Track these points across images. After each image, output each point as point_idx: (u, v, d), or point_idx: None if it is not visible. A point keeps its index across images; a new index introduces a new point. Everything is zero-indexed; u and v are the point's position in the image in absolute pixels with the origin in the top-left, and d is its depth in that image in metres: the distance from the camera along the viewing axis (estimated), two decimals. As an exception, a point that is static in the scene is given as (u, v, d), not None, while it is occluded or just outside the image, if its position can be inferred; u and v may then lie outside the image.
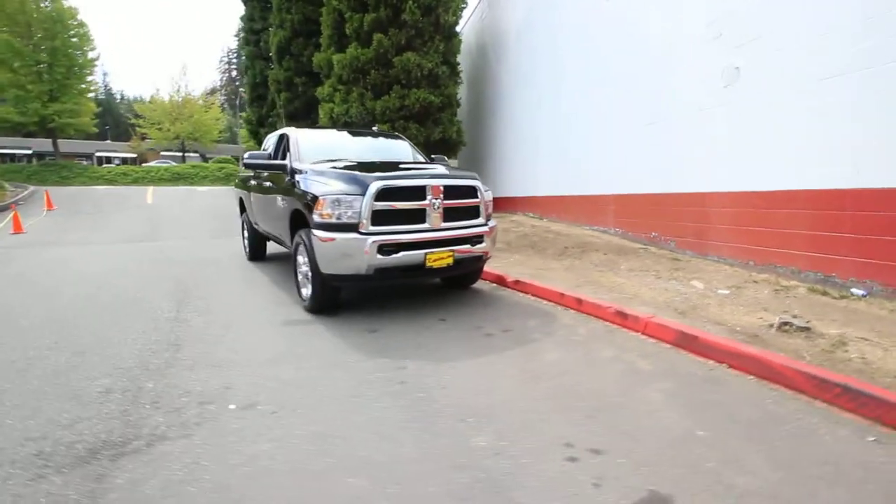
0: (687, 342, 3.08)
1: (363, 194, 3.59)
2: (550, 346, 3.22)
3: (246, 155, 4.76)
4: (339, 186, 3.67)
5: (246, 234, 6.97)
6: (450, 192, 3.92)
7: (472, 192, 4.10)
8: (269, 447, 2.02)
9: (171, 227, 11.38)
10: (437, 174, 3.95)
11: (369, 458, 1.95)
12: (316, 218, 3.72)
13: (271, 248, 7.04)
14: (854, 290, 3.76)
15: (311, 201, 3.75)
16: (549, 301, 4.35)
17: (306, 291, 4.13)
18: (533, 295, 4.59)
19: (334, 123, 11.02)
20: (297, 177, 4.30)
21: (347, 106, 10.73)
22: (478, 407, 2.37)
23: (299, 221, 4.32)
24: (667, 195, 5.87)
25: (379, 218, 3.64)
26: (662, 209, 5.98)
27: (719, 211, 5.15)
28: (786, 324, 3.28)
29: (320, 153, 4.72)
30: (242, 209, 7.22)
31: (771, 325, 3.38)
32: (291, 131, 5.06)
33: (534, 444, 2.03)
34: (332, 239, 3.61)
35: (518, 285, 4.81)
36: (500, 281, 5.05)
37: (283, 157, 4.78)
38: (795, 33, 4.29)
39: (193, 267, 6.41)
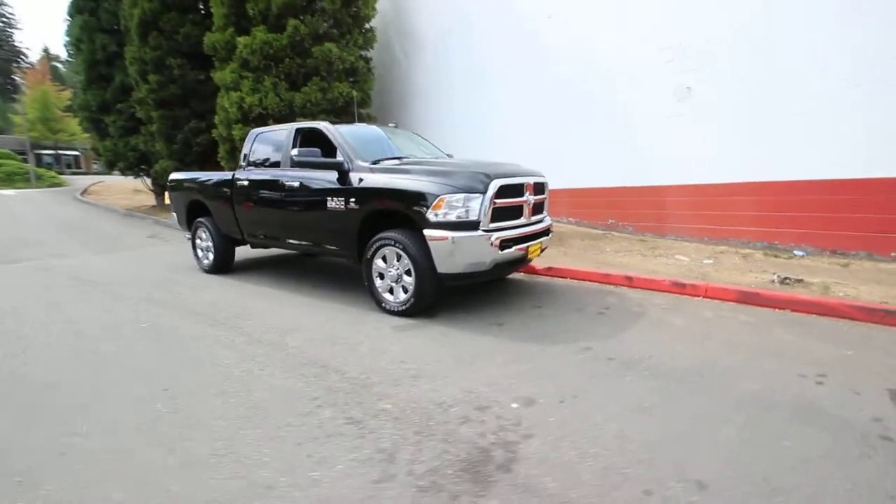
0: (748, 298, 4.05)
1: (484, 192, 3.66)
2: (662, 318, 3.83)
3: (294, 152, 4.20)
4: (457, 185, 3.66)
5: (207, 243, 5.95)
6: (536, 188, 4.23)
7: (545, 188, 4.46)
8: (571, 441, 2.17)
9: (23, 244, 8.73)
10: (529, 172, 4.21)
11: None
12: (432, 217, 3.64)
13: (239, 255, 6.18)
14: (796, 252, 5.32)
15: (426, 201, 3.65)
16: (594, 282, 4.99)
17: (395, 297, 3.97)
18: (571, 278, 5.17)
19: (245, 115, 9.83)
20: (367, 176, 4.05)
21: (260, 96, 9.70)
22: (700, 367, 2.83)
23: (378, 223, 4.09)
24: (625, 188, 7.06)
25: (495, 215, 3.76)
26: (619, 200, 7.16)
27: (676, 200, 6.49)
28: (786, 278, 4.53)
29: (369, 150, 4.48)
30: (194, 216, 6.13)
31: (772, 281, 4.61)
32: (328, 126, 4.62)
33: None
34: (454, 238, 3.60)
35: (551, 271, 5.33)
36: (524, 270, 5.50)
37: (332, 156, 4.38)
38: (735, 60, 5.72)
39: (165, 291, 5.30)
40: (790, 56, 5.29)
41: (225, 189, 5.48)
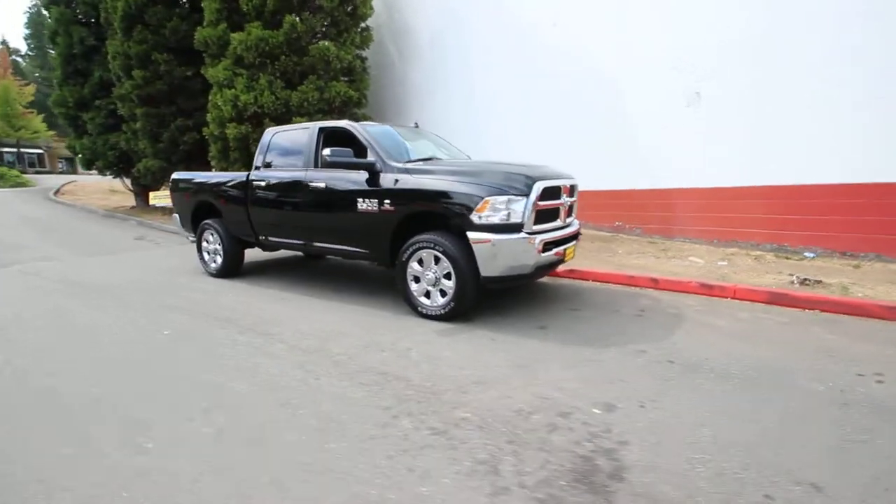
0: (777, 299, 4.14)
1: (528, 195, 3.63)
2: (700, 319, 3.86)
3: (327, 152, 4.06)
4: (502, 187, 3.61)
5: (215, 246, 5.71)
6: (570, 190, 4.22)
7: (576, 190, 4.46)
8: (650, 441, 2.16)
9: (2, 247, 8.20)
10: (564, 174, 4.20)
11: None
12: (476, 220, 3.58)
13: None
14: (806, 254, 5.50)
15: (471, 203, 3.58)
16: (618, 284, 5.02)
17: (432, 301, 3.89)
18: (594, 280, 5.20)
19: (240, 113, 9.54)
20: (403, 177, 3.96)
21: (255, 94, 9.43)
22: (760, 368, 2.85)
23: (412, 226, 4.00)
24: (631, 191, 7.15)
25: (536, 217, 3.73)
26: (626, 202, 7.26)
27: (684, 203, 6.61)
28: (805, 279, 4.66)
29: (399, 150, 4.39)
30: (199, 218, 5.88)
31: (791, 282, 4.73)
32: (356, 126, 4.50)
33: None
34: (498, 240, 3.55)
35: (574, 274, 5.34)
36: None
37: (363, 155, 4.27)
38: (742, 66, 5.88)
39: (176, 296, 5.07)
40: (796, 62, 5.47)
41: (239, 190, 5.28)
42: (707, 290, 4.52)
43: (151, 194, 11.55)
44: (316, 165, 4.66)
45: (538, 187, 3.69)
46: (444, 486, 1.80)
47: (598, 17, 7.32)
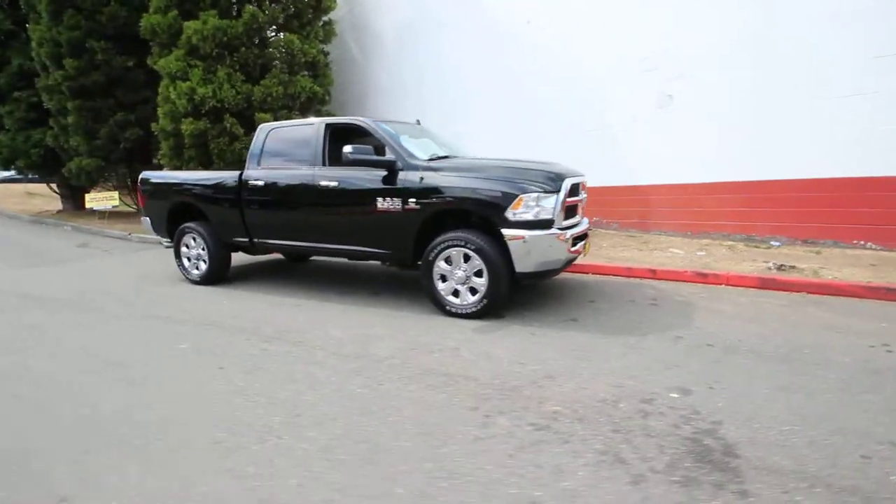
0: (767, 284, 4.55)
1: (558, 191, 3.71)
2: (709, 306, 4.13)
3: (348, 149, 3.88)
4: (534, 184, 3.66)
5: (197, 251, 5.29)
6: (583, 187, 4.37)
7: (585, 187, 4.62)
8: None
9: None
10: (578, 171, 4.32)
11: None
12: (510, 217, 3.61)
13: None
14: (773, 242, 6.08)
15: (505, 200, 3.60)
16: (618, 276, 5.27)
17: (462, 299, 3.87)
18: (593, 273, 5.42)
19: (196, 108, 8.88)
20: (429, 175, 3.90)
21: (214, 87, 8.84)
22: (789, 347, 3.12)
23: (439, 224, 3.95)
24: (608, 187, 7.50)
25: (565, 213, 3.83)
26: (603, 198, 7.59)
27: (658, 198, 7.06)
28: (781, 265, 5.15)
29: (414, 147, 4.31)
30: (176, 221, 5.42)
31: (769, 268, 5.21)
32: (370, 122, 4.34)
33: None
34: (532, 237, 3.60)
35: (573, 267, 5.51)
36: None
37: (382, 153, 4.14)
38: (712, 70, 6.39)
39: (164, 306, 4.64)
40: (761, 67, 6.03)
41: (230, 191, 4.92)
42: (702, 278, 4.88)
43: (87, 196, 10.41)
44: (324, 163, 4.47)
45: (567, 184, 3.79)
46: (582, 479, 1.82)
47: (574, 16, 7.59)
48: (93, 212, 11.16)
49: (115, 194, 10.45)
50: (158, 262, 7.04)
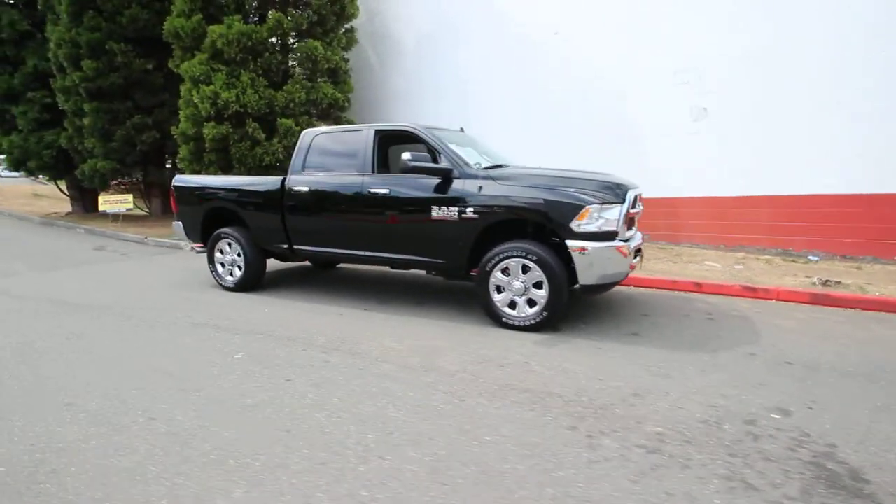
0: (818, 300, 4.49)
1: (622, 202, 3.65)
2: (769, 321, 4.05)
3: (407, 156, 3.81)
4: (600, 195, 3.59)
5: (232, 257, 5.18)
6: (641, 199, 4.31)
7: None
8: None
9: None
10: (634, 183, 4.26)
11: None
12: (576, 228, 3.53)
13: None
14: (810, 257, 6.04)
15: (572, 211, 3.52)
16: (662, 289, 5.20)
17: (519, 311, 3.77)
18: (636, 286, 5.34)
19: (219, 112, 8.80)
20: (489, 184, 3.82)
21: (237, 92, 8.76)
22: (868, 364, 3.05)
23: (490, 235, 3.86)
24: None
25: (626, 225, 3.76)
26: (631, 210, 7.57)
27: (690, 211, 7.02)
28: (826, 281, 5.11)
29: (470, 155, 4.24)
30: (211, 227, 5.31)
31: (814, 283, 5.16)
32: (422, 129, 4.26)
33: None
34: (598, 248, 3.53)
35: (613, 280, 5.45)
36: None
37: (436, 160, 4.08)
38: (747, 83, 6.39)
39: (203, 313, 4.54)
40: (798, 80, 6.04)
41: (272, 196, 4.82)
42: (751, 292, 4.81)
43: (101, 198, 10.25)
44: (373, 170, 4.39)
45: (631, 195, 3.73)
46: (721, 508, 1.73)
47: (603, 27, 7.61)
48: (104, 214, 11.01)
49: (129, 197, 10.31)
50: (181, 267, 6.92)
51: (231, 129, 8.94)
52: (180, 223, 5.63)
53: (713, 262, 6.21)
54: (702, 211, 6.92)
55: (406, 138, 4.43)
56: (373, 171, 4.38)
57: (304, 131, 4.91)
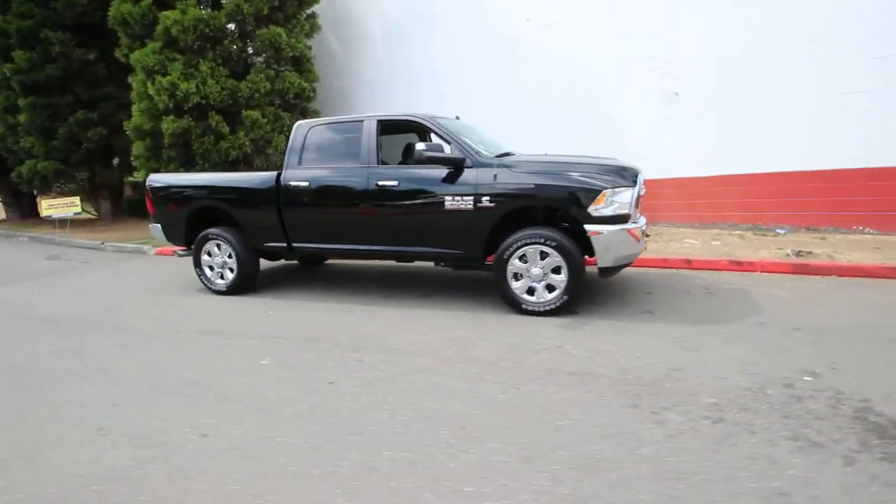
0: (800, 269, 4.86)
1: (634, 185, 3.76)
2: (764, 292, 4.31)
3: (421, 146, 3.72)
4: (614, 179, 3.68)
5: (222, 259, 4.91)
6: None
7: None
8: None
9: None
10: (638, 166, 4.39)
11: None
12: (594, 212, 3.61)
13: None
14: (778, 230, 6.50)
15: (589, 196, 3.59)
16: (655, 267, 5.43)
17: (538, 297, 3.83)
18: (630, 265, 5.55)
19: (178, 104, 8.23)
20: (503, 172, 3.82)
21: (197, 82, 8.23)
22: (868, 326, 3.32)
23: (515, 221, 3.88)
24: (615, 182, 7.74)
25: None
26: (609, 193, 7.83)
27: (666, 191, 7.34)
28: (799, 251, 5.52)
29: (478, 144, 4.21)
30: (196, 228, 5.01)
31: (787, 254, 5.57)
32: (429, 118, 4.18)
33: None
34: (614, 231, 3.63)
35: (607, 261, 5.64)
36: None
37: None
38: (719, 69, 6.73)
39: (208, 321, 4.29)
40: (765, 67, 6.43)
41: (267, 193, 4.59)
42: (738, 266, 5.13)
43: (44, 203, 9.36)
44: (378, 162, 4.27)
45: (640, 178, 3.86)
46: (802, 467, 1.84)
47: (578, 14, 7.74)
48: (45, 220, 10.08)
49: (77, 200, 9.47)
50: (153, 272, 6.51)
51: (192, 123, 8.40)
52: (158, 225, 5.25)
53: (692, 240, 6.56)
54: (676, 192, 7.26)
55: (408, 128, 4.33)
56: (377, 163, 4.26)
57: (298, 123, 4.69)
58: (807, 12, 6.15)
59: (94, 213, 11.01)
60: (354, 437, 2.18)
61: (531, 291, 3.89)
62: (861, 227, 6.10)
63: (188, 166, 8.78)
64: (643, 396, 2.47)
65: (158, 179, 5.22)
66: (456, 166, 3.94)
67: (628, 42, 7.34)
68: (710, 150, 6.94)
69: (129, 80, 9.15)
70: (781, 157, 6.44)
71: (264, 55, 9.11)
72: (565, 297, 3.77)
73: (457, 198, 3.92)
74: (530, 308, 3.88)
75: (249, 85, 8.68)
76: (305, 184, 4.44)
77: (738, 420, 2.21)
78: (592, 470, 1.87)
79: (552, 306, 3.81)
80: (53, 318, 4.42)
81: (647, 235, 4.21)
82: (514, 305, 3.94)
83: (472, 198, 3.88)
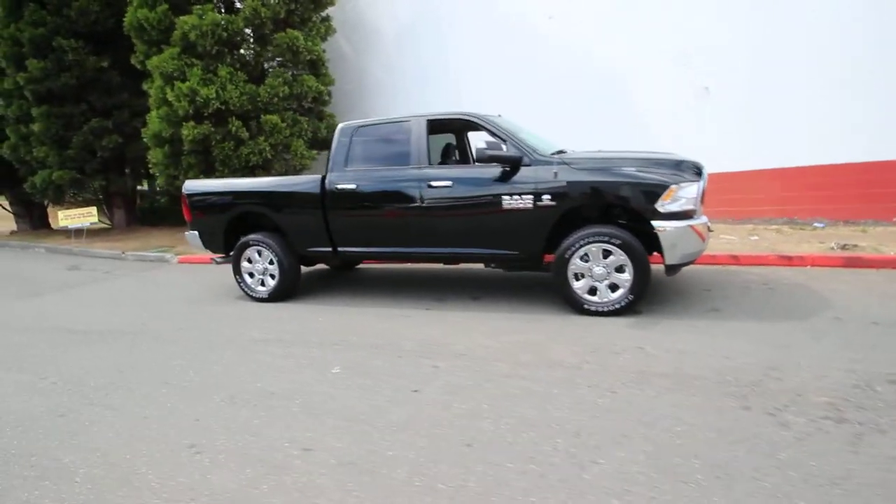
0: (852, 262, 4.79)
1: (699, 181, 3.68)
2: (824, 286, 4.24)
3: (482, 144, 3.63)
4: (681, 174, 3.60)
5: (263, 265, 4.80)
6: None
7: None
8: None
9: None
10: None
11: None
12: (661, 208, 3.52)
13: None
14: (816, 224, 6.44)
15: (657, 192, 3.50)
16: (701, 263, 5.33)
17: (601, 296, 3.73)
18: (672, 263, 5.47)
19: (198, 110, 8.12)
20: (564, 170, 3.72)
21: (216, 88, 8.12)
22: None
23: (569, 221, 3.79)
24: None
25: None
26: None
27: (696, 187, 7.29)
28: (844, 245, 5.46)
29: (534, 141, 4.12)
30: (234, 234, 4.91)
31: (832, 248, 5.50)
32: (483, 116, 4.09)
33: None
34: (681, 227, 3.54)
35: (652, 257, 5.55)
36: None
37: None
38: (749, 64, 6.68)
39: (261, 329, 4.18)
40: (797, 61, 6.39)
41: (312, 196, 4.49)
42: (787, 260, 5.06)
43: (60, 213, 9.21)
44: (430, 162, 4.18)
45: (705, 172, 3.77)
46: (958, 469, 1.76)
47: (600, 9, 7.68)
48: (59, 231, 9.95)
49: (93, 210, 9.34)
50: (184, 281, 6.39)
51: (213, 129, 8.28)
52: (195, 233, 5.13)
53: (728, 235, 6.48)
54: (710, 186, 7.17)
55: (458, 127, 4.24)
56: (429, 164, 4.17)
57: (341, 126, 4.59)
58: (843, 7, 6.11)
59: (107, 222, 10.87)
60: (467, 448, 2.08)
61: (592, 291, 3.81)
62: (901, 219, 6.06)
63: (208, 173, 8.67)
64: (750, 398, 2.38)
65: (196, 186, 5.11)
66: (514, 165, 3.85)
67: (657, 37, 7.27)
68: (742, 145, 6.87)
69: (145, 86, 9.04)
70: (816, 150, 6.38)
71: (281, 59, 9.00)
72: (631, 297, 3.68)
73: (515, 197, 3.83)
74: (593, 308, 3.78)
75: (268, 89, 8.57)
76: (353, 186, 4.34)
77: (861, 419, 2.12)
78: (739, 479, 1.78)
79: (616, 306, 3.72)
80: (95, 330, 4.30)
81: (711, 231, 4.11)
82: (576, 306, 3.84)
83: (531, 196, 3.78)
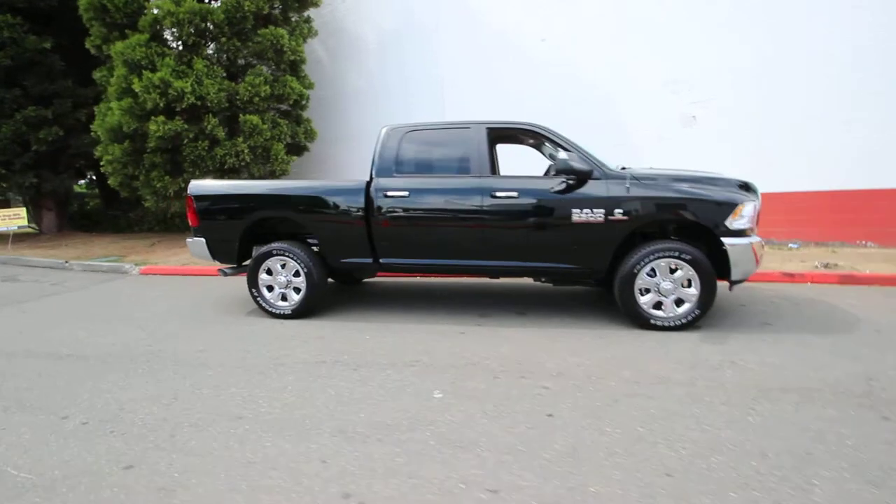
0: (847, 280, 5.27)
1: (756, 199, 3.85)
2: (837, 302, 4.58)
3: (564, 156, 3.51)
4: (745, 192, 3.74)
5: (286, 278, 4.31)
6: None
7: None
8: None
9: None
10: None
11: None
12: (731, 225, 3.63)
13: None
14: (791, 245, 7.07)
15: (728, 209, 3.61)
16: (711, 280, 5.63)
17: (667, 311, 3.76)
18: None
19: (170, 104, 7.29)
20: (634, 185, 3.73)
21: (192, 81, 7.38)
22: None
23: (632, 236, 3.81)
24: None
25: (755, 221, 3.98)
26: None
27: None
28: (826, 264, 6.02)
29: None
30: (250, 243, 4.39)
31: (816, 266, 6.05)
32: (543, 127, 3.99)
33: None
34: (744, 244, 3.68)
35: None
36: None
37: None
38: (733, 96, 7.27)
39: (306, 348, 3.72)
40: (778, 92, 7.06)
41: (354, 203, 4.11)
42: (790, 278, 5.47)
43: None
44: (491, 171, 4.00)
45: (759, 191, 3.96)
46: None
47: (593, 36, 8.01)
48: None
49: (23, 212, 7.96)
50: (160, 294, 5.65)
51: (184, 126, 7.46)
52: (202, 240, 4.50)
53: (718, 253, 6.93)
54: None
55: (519, 137, 4.12)
56: (490, 173, 4.00)
57: (387, 128, 4.27)
58: (810, 48, 6.87)
59: (34, 226, 9.34)
60: (669, 479, 1.91)
61: (657, 306, 3.82)
62: (864, 242, 6.83)
63: (174, 174, 7.77)
64: (879, 408, 2.46)
65: (205, 187, 4.49)
66: (585, 178, 3.80)
67: (647, 64, 7.71)
68: (723, 171, 7.41)
69: (96, 74, 7.97)
70: (793, 177, 7.06)
71: (261, 57, 8.39)
72: (697, 311, 3.74)
73: (584, 210, 3.77)
74: (658, 323, 3.79)
75: (248, 88, 7.93)
76: (404, 194, 4.04)
77: None
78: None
79: (683, 321, 3.76)
80: (90, 355, 3.57)
81: (764, 248, 4.32)
82: (641, 320, 3.83)
83: (603, 210, 3.75)
